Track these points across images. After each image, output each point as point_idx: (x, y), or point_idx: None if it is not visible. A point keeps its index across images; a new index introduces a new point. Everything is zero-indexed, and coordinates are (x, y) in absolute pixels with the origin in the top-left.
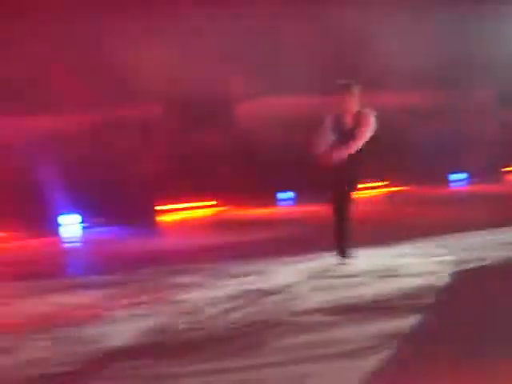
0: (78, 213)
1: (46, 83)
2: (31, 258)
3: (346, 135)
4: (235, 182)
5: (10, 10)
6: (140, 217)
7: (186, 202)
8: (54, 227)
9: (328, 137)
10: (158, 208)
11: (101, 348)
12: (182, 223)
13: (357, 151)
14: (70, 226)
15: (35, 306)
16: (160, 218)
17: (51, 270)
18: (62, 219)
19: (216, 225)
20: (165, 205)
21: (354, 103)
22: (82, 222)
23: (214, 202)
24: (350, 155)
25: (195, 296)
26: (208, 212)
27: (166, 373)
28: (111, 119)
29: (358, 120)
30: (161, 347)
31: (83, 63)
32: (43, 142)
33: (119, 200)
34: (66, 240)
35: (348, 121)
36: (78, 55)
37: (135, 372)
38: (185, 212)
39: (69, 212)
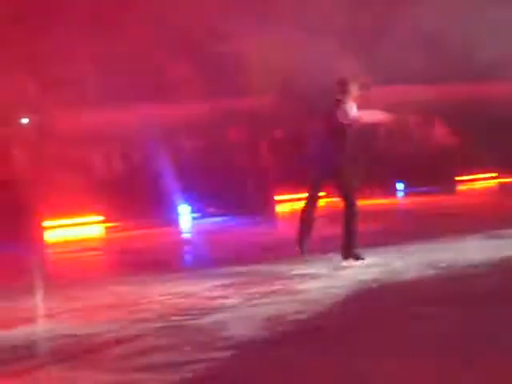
0: (193, 203)
1: (163, 73)
2: (148, 248)
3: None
4: None
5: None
6: (257, 207)
7: (301, 193)
8: (171, 217)
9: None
10: (276, 198)
11: (220, 337)
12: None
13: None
14: (186, 216)
15: (153, 294)
16: (278, 209)
17: (168, 259)
18: (178, 209)
19: (330, 216)
20: (282, 195)
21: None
22: (199, 212)
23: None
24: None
25: (312, 286)
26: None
27: (282, 360)
28: (227, 109)
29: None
30: (277, 337)
31: (200, 52)
32: (161, 132)
33: (235, 191)
34: (182, 230)
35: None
36: (195, 44)
37: (253, 360)
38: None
39: (184, 202)
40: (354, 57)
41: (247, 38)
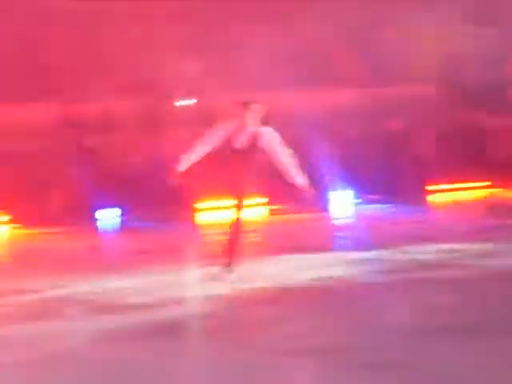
0: (352, 188)
1: (319, 59)
2: (305, 231)
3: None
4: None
5: None
6: (411, 195)
7: (459, 183)
8: (324, 203)
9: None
10: (429, 188)
11: (367, 321)
12: (455, 203)
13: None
14: (347, 201)
15: (302, 277)
16: (432, 198)
17: (321, 243)
18: (340, 195)
19: (488, 206)
20: (437, 184)
21: (251, 122)
22: (356, 198)
23: (487, 183)
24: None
25: (459, 275)
26: (482, 193)
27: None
28: (383, 97)
29: (254, 141)
30: (428, 328)
31: (358, 40)
32: (320, 117)
33: (393, 178)
34: (336, 216)
35: (242, 140)
36: (352, 33)
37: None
38: (458, 192)
39: (342, 188)
40: None
41: (412, 25)
